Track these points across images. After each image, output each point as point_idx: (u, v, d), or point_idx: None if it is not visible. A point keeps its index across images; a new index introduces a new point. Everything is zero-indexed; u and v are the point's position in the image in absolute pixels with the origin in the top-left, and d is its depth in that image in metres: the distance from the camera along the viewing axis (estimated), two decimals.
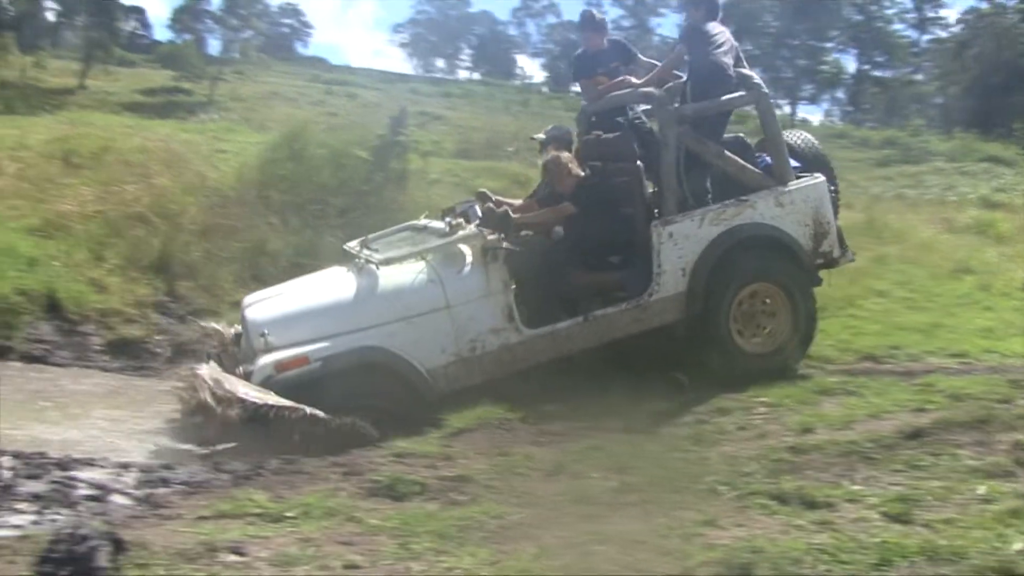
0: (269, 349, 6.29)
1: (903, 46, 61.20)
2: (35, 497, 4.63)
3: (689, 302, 7.11)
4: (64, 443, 5.68)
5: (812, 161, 7.98)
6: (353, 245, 7.23)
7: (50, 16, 50.67)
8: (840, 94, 63.89)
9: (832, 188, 7.76)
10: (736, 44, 7.73)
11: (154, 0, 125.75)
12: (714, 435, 5.52)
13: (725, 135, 7.79)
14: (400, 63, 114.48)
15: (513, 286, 6.78)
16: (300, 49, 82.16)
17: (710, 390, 6.69)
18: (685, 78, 7.56)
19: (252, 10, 52.56)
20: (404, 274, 6.70)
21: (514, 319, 6.69)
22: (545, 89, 69.96)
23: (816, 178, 7.61)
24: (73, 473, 5.02)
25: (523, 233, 7.28)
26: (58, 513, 4.46)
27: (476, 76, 78.96)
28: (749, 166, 7.51)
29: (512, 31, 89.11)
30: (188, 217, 10.05)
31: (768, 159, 7.68)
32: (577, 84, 8.89)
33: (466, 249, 6.76)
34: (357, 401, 6.20)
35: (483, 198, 7.50)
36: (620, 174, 7.46)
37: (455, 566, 3.54)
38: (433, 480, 4.64)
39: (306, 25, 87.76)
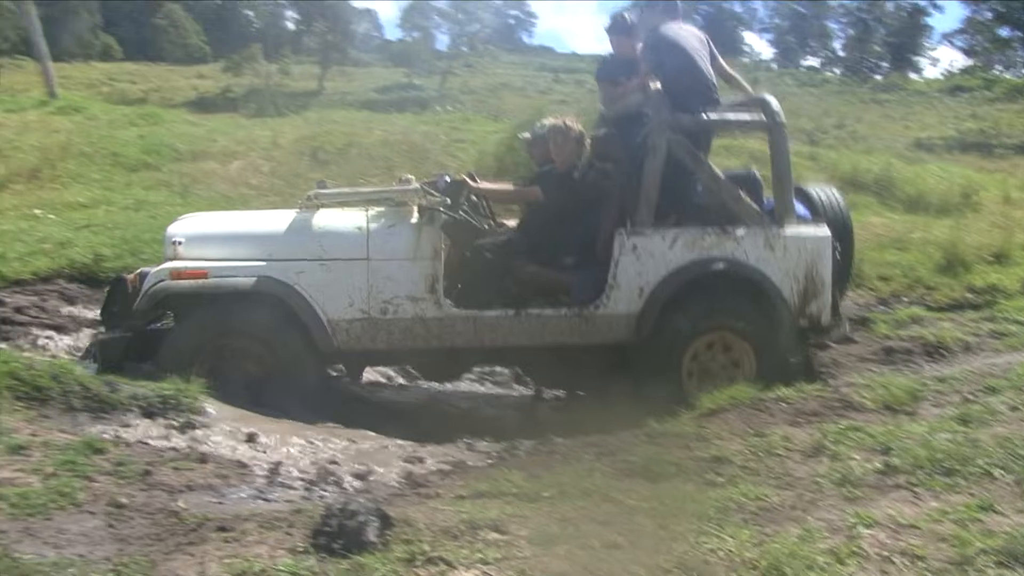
0: (175, 258, 6.20)
1: None
2: (303, 474, 4.90)
3: (639, 327, 6.43)
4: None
5: (831, 219, 7.00)
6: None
7: (290, 25, 53.47)
8: None
9: (837, 248, 6.81)
10: (707, 39, 7.01)
11: (384, 2, 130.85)
12: (984, 416, 5.16)
13: (737, 169, 7.12)
14: None
15: (446, 257, 6.34)
16: (525, 39, 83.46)
17: (974, 368, 6.32)
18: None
19: (478, 4, 53.72)
20: (332, 217, 6.43)
21: (436, 291, 6.25)
22: (774, 66, 68.12)
23: (820, 230, 6.75)
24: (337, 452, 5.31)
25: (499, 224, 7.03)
26: (325, 490, 4.69)
27: None
28: (745, 198, 6.69)
29: (737, 8, 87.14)
30: None
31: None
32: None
33: (414, 210, 6.37)
34: (246, 331, 6.14)
35: (471, 177, 7.02)
36: (604, 176, 6.86)
37: (718, 547, 3.48)
38: (688, 460, 4.57)
39: (530, 15, 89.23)
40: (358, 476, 4.93)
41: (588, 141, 6.92)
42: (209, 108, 31.13)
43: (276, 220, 6.55)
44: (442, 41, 53.88)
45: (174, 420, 5.37)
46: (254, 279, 6.11)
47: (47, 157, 14.38)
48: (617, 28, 7.49)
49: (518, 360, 7.04)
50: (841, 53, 76.49)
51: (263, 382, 6.14)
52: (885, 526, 3.64)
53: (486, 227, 6.99)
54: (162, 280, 6.07)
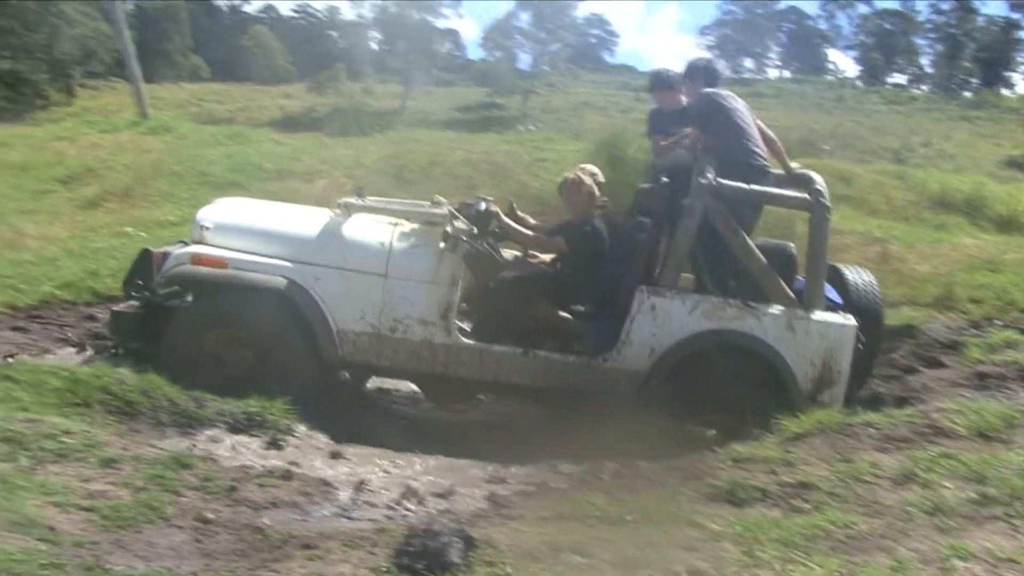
0: (200, 242, 6.21)
1: None
2: (386, 493, 4.93)
3: (644, 386, 6.21)
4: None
5: (861, 308, 6.68)
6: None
7: (373, 45, 54.13)
8: None
9: (862, 341, 6.47)
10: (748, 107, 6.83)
11: (467, 21, 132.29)
12: None
13: (774, 240, 6.97)
14: None
15: (470, 287, 6.38)
16: (607, 58, 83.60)
17: None
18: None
19: (559, 23, 53.87)
20: (358, 228, 6.36)
21: (448, 318, 6.19)
22: (859, 83, 67.21)
23: (846, 319, 6.41)
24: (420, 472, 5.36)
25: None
26: (408, 510, 4.71)
27: (786, 74, 77.14)
28: (776, 276, 6.42)
29: (822, 25, 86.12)
30: None
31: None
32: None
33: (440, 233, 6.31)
34: (255, 326, 6.07)
35: (510, 208, 6.96)
36: (638, 228, 6.79)
37: None
38: (774, 486, 4.49)
39: (611, 34, 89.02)
40: (441, 496, 4.95)
41: (600, 193, 6.86)
42: (294, 127, 31.68)
43: (305, 221, 6.51)
44: (524, 60, 54.07)
45: (260, 437, 5.46)
46: (272, 278, 6.11)
47: (139, 176, 14.80)
48: (659, 84, 7.51)
49: (522, 397, 6.86)
50: (929, 70, 75.15)
51: (262, 379, 6.07)
52: (981, 559, 3.53)
53: (512, 259, 6.95)
54: (183, 263, 6.13)
